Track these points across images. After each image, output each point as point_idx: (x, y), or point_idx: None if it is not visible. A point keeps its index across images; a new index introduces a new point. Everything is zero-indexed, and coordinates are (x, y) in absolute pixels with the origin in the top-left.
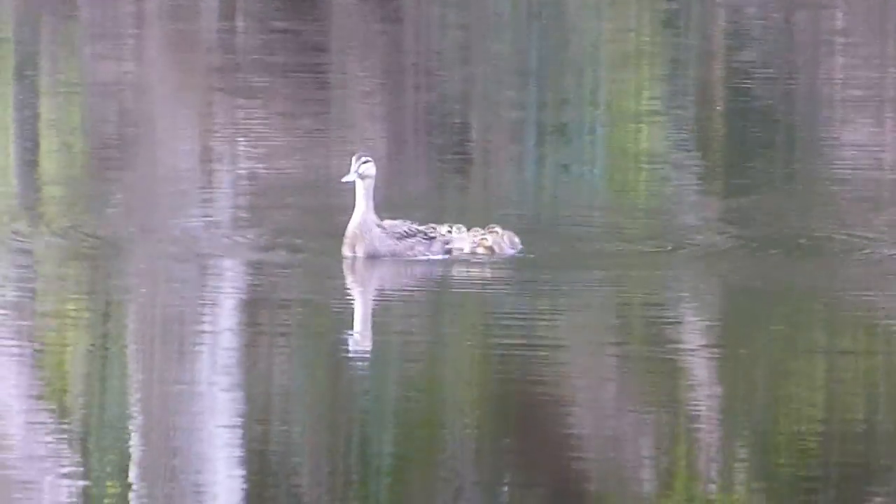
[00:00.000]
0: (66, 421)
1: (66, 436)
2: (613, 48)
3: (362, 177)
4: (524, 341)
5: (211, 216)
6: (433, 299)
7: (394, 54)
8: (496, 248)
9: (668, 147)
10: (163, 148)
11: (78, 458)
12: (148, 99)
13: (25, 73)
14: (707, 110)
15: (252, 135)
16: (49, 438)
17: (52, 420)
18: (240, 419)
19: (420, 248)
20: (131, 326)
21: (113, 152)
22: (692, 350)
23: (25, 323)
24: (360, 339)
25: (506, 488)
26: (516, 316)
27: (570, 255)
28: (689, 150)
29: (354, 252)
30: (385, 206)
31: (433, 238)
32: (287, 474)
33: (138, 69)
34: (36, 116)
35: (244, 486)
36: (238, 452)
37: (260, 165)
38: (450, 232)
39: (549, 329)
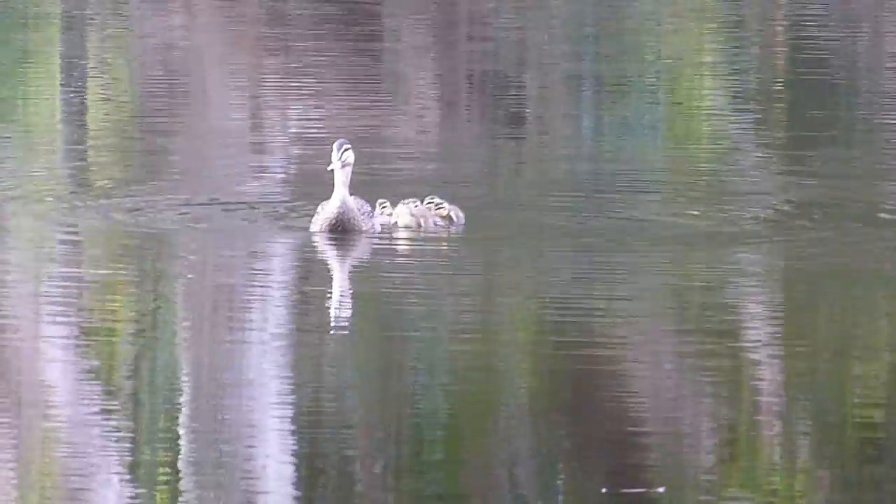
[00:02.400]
0: (114, 402)
1: (114, 422)
2: (674, 7)
3: (344, 165)
4: (581, 326)
5: (261, 184)
6: (473, 279)
7: (447, 9)
8: (422, 223)
9: (729, 114)
10: (212, 108)
11: (127, 450)
12: (197, 57)
13: (73, 41)
14: (769, 72)
15: (302, 91)
16: (98, 420)
17: (100, 399)
18: (290, 400)
19: (367, 223)
20: (179, 301)
21: (162, 116)
22: (753, 331)
23: (74, 296)
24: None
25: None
26: (569, 298)
27: (625, 231)
28: (752, 119)
29: (327, 228)
30: (440, 168)
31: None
32: (338, 450)
33: (188, 28)
34: (84, 80)
35: (294, 467)
36: (288, 433)
37: (310, 125)
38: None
39: (605, 310)
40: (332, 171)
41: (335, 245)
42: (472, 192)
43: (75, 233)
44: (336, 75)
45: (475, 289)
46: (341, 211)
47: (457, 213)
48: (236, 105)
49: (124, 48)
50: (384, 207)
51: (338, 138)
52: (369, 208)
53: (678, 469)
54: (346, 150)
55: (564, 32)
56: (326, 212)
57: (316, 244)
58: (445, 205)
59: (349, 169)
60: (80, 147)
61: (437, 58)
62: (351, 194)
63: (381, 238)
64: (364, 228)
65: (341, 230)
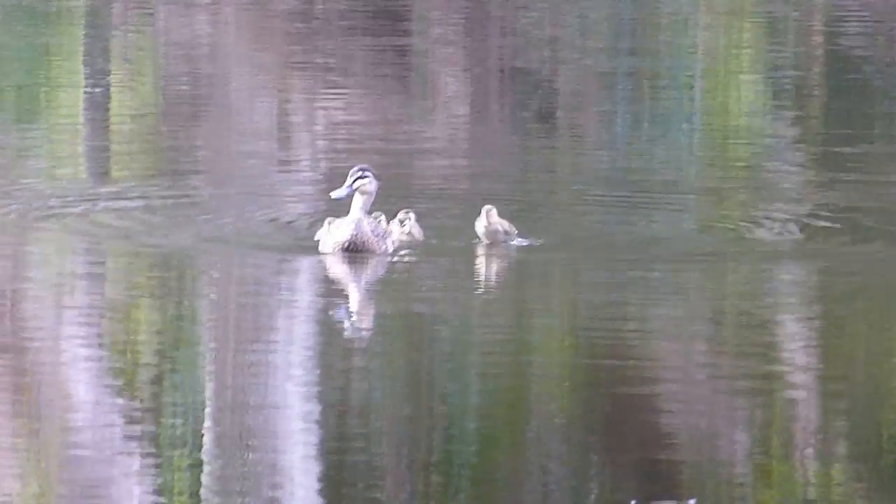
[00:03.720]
0: (138, 402)
1: (138, 426)
2: (710, 3)
3: (361, 192)
4: (615, 332)
5: (285, 194)
6: (514, 287)
7: (477, 4)
8: (415, 234)
9: (765, 112)
10: (236, 104)
11: (151, 449)
12: (222, 52)
13: (98, 38)
14: (806, 69)
15: (330, 88)
16: (121, 423)
17: (123, 400)
18: (315, 403)
19: (382, 244)
20: (200, 320)
21: (187, 115)
22: (788, 345)
23: (96, 313)
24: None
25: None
26: (602, 311)
27: (660, 242)
28: (789, 117)
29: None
30: (472, 169)
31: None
32: (365, 462)
33: (213, 23)
34: (108, 76)
35: (319, 467)
36: (313, 437)
37: (338, 125)
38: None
39: (640, 319)
40: (342, 199)
41: (356, 263)
42: (503, 195)
43: (97, 254)
44: (364, 72)
45: (506, 303)
46: (355, 234)
47: (418, 230)
48: (262, 104)
49: (148, 44)
50: (379, 222)
51: (358, 164)
52: (383, 229)
53: (711, 482)
54: (363, 177)
55: (598, 28)
56: (340, 234)
57: (336, 262)
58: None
59: (369, 197)
60: (102, 146)
61: (467, 54)
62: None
63: (401, 255)
64: (378, 250)
65: (354, 251)
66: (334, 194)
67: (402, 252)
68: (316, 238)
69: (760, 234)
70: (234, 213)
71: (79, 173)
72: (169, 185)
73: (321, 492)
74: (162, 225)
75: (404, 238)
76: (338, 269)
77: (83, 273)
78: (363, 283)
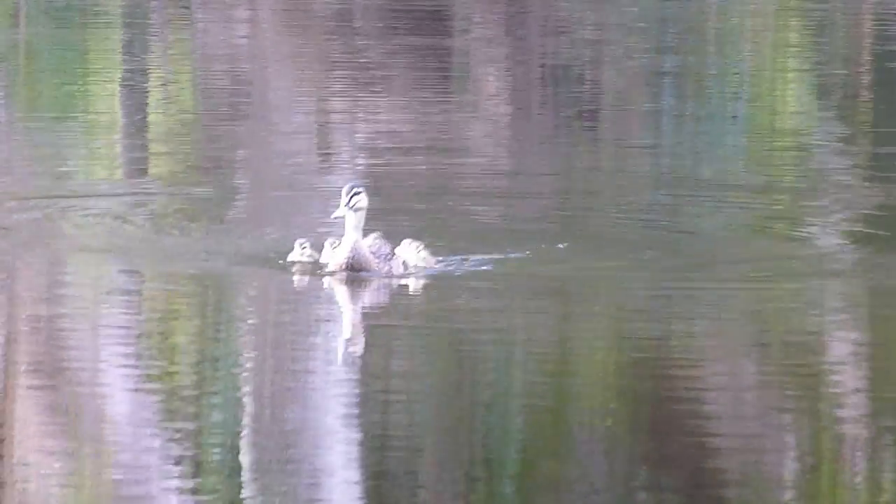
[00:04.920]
0: (175, 410)
1: (177, 432)
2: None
3: (355, 209)
4: (659, 341)
5: (323, 207)
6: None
7: (518, 4)
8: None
9: (811, 110)
10: (274, 103)
11: (189, 456)
12: (260, 52)
13: (134, 44)
14: (853, 66)
15: (371, 89)
16: (158, 431)
17: (161, 410)
18: (355, 406)
19: (384, 265)
20: (242, 314)
21: (225, 115)
22: (833, 351)
23: (133, 329)
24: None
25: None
26: (647, 320)
27: (704, 249)
28: (835, 115)
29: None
30: (512, 168)
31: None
32: (405, 470)
33: (251, 21)
34: (145, 77)
35: (360, 473)
36: (354, 442)
37: (378, 125)
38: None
39: (685, 328)
40: (339, 217)
41: (381, 281)
42: (544, 201)
43: (134, 273)
44: (404, 72)
45: (550, 307)
46: (351, 256)
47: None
48: (301, 104)
49: (186, 43)
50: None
51: (350, 182)
52: (387, 250)
53: (755, 496)
54: (356, 193)
55: (641, 26)
56: (338, 256)
57: (362, 281)
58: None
59: (362, 213)
60: (140, 151)
61: (508, 53)
62: (373, 231)
63: (425, 273)
64: (381, 270)
65: (355, 272)
66: (336, 214)
67: (418, 272)
68: (322, 260)
69: (809, 237)
70: (270, 222)
71: (114, 174)
72: (206, 188)
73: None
74: (198, 239)
75: (420, 263)
76: (367, 289)
77: (119, 292)
78: (395, 302)
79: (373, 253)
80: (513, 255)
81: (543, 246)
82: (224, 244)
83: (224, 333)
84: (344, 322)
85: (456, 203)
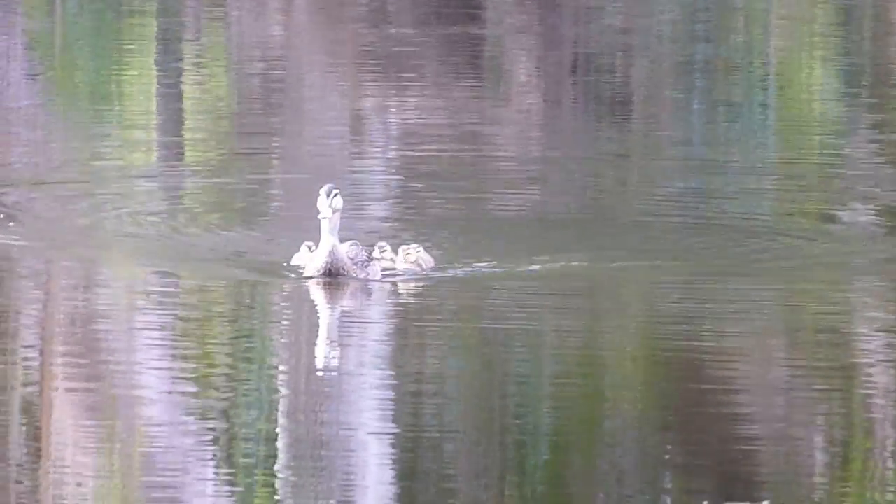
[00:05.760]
0: (210, 402)
1: (211, 428)
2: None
3: (335, 210)
4: (692, 340)
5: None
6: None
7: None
8: (422, 264)
9: (839, 98)
10: (311, 94)
11: (224, 453)
12: (294, 42)
13: (171, 28)
14: (882, 56)
15: (403, 78)
16: (194, 425)
17: (195, 401)
18: (389, 404)
19: (361, 272)
20: (274, 310)
21: (260, 104)
22: (865, 346)
23: (171, 300)
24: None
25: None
26: (679, 316)
27: (734, 245)
28: (863, 104)
29: (321, 272)
30: (543, 157)
31: (372, 261)
32: (436, 459)
33: (285, 11)
34: (180, 84)
35: (393, 469)
36: (388, 442)
37: (411, 115)
38: (383, 251)
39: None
40: (325, 217)
41: (401, 284)
42: (574, 186)
43: (168, 274)
44: (437, 61)
45: (580, 305)
46: (329, 261)
47: (424, 258)
48: (334, 94)
49: (221, 35)
50: (384, 251)
51: (326, 184)
52: (365, 256)
53: (785, 483)
54: (335, 195)
55: (671, 16)
56: (316, 262)
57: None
58: (413, 249)
59: (337, 215)
60: (174, 138)
61: (540, 42)
62: (378, 236)
63: (440, 276)
64: (358, 276)
65: (332, 277)
66: (321, 216)
67: (409, 276)
68: (294, 262)
69: (838, 224)
70: (301, 215)
71: (148, 160)
72: (239, 177)
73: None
74: (232, 236)
75: (412, 265)
76: (396, 292)
77: (155, 292)
78: (425, 302)
79: (350, 259)
80: (538, 261)
81: (569, 244)
82: (253, 243)
83: (255, 335)
84: (373, 323)
85: (486, 192)
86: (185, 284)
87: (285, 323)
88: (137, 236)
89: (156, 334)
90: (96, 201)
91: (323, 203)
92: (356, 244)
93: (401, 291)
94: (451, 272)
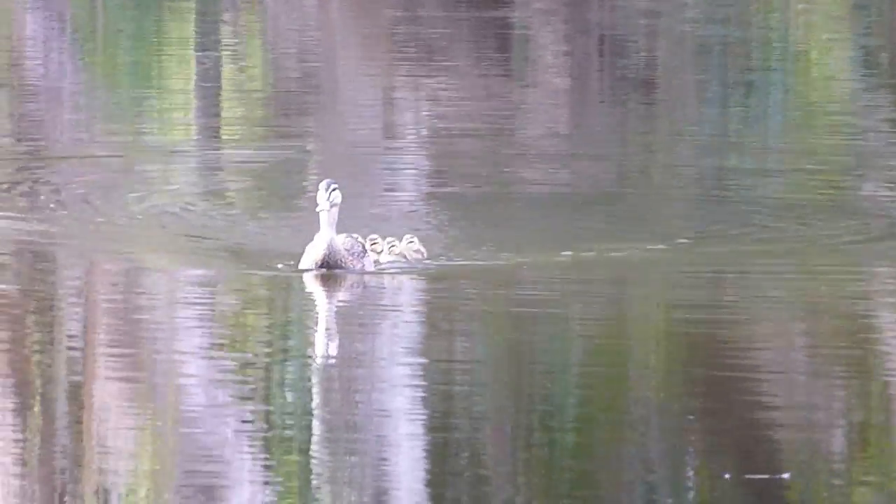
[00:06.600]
0: (247, 387)
1: (250, 413)
2: None
3: (332, 205)
4: (710, 323)
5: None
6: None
7: None
8: (407, 255)
9: (856, 81)
10: (344, 79)
11: (260, 439)
12: (328, 28)
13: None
14: None
15: (433, 65)
16: (232, 412)
17: (234, 389)
18: (421, 389)
19: (357, 263)
20: (316, 300)
21: (295, 89)
22: (886, 325)
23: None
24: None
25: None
26: (701, 302)
27: (753, 230)
28: (881, 81)
29: (318, 265)
30: (571, 140)
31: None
32: (469, 444)
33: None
34: (219, 78)
35: (425, 467)
36: (420, 423)
37: (442, 104)
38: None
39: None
40: (321, 210)
41: (419, 276)
42: (601, 169)
43: (205, 263)
44: (465, 44)
45: (603, 288)
46: (327, 253)
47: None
48: (366, 79)
49: (258, 22)
50: (374, 244)
51: (325, 178)
52: (360, 248)
53: (806, 458)
54: (333, 190)
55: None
56: (313, 254)
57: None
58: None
59: (336, 209)
60: (212, 120)
61: (567, 25)
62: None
63: (454, 267)
64: (355, 267)
65: (329, 269)
66: (319, 209)
67: (410, 267)
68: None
69: (857, 206)
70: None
71: (189, 140)
72: (276, 158)
73: (427, 482)
74: (267, 225)
75: (410, 256)
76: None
77: (192, 281)
78: (453, 293)
79: (346, 250)
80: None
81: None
82: (286, 232)
83: (293, 325)
84: (405, 312)
85: (514, 175)
86: (219, 274)
87: (313, 313)
88: (175, 217)
89: (194, 322)
90: (136, 181)
91: (321, 197)
92: (351, 236)
93: (422, 281)
94: (458, 260)
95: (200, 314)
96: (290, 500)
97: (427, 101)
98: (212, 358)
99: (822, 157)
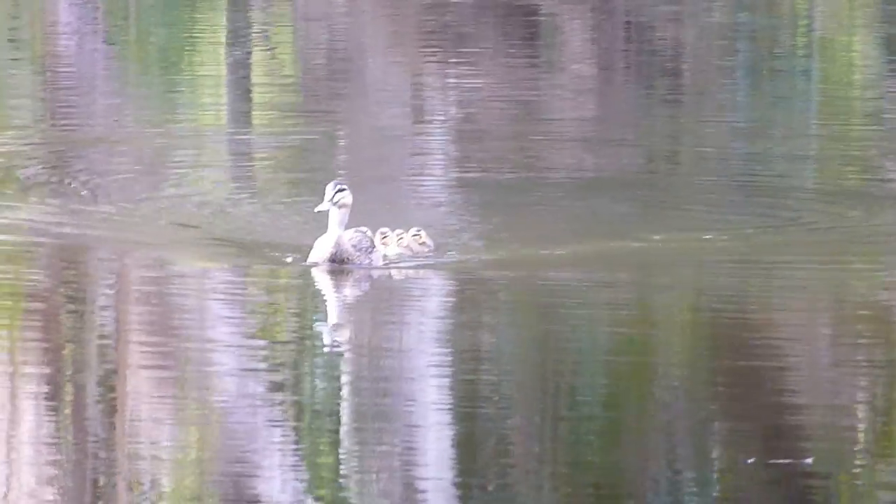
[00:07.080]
0: (277, 377)
1: (279, 400)
2: None
3: (339, 206)
4: (737, 311)
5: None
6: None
7: None
8: (413, 248)
9: (884, 66)
10: (373, 70)
11: (291, 423)
12: (355, 11)
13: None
14: None
15: (461, 55)
16: (263, 400)
17: (265, 378)
18: (448, 375)
19: (365, 258)
20: (342, 294)
21: (324, 81)
22: None
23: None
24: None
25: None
26: (729, 276)
27: (781, 222)
28: None
29: (324, 260)
30: (597, 127)
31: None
32: (496, 430)
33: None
34: (248, 66)
35: (453, 455)
36: (448, 427)
37: (469, 92)
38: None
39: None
40: (322, 211)
41: (448, 271)
42: (626, 156)
43: (234, 258)
44: (493, 30)
45: (628, 282)
46: (334, 251)
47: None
48: (395, 69)
49: (287, 12)
50: (385, 237)
51: (334, 179)
52: (368, 243)
53: (828, 443)
54: (340, 190)
55: None
56: (322, 251)
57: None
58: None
59: (346, 210)
60: (242, 106)
61: (593, 12)
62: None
63: (477, 261)
64: (363, 263)
65: (337, 264)
66: (318, 209)
67: (411, 261)
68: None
69: (890, 190)
70: (367, 198)
71: (220, 125)
72: (306, 144)
73: (455, 469)
74: (291, 222)
75: (416, 248)
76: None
77: (221, 272)
78: (474, 285)
79: (354, 246)
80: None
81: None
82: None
83: (317, 315)
84: (426, 303)
85: (541, 161)
86: (236, 266)
87: (335, 304)
88: (205, 206)
89: (225, 313)
90: (168, 167)
91: (326, 196)
92: (360, 230)
93: (440, 274)
94: (472, 254)
95: (225, 306)
96: (320, 489)
97: (454, 87)
98: (241, 347)
99: (850, 143)
